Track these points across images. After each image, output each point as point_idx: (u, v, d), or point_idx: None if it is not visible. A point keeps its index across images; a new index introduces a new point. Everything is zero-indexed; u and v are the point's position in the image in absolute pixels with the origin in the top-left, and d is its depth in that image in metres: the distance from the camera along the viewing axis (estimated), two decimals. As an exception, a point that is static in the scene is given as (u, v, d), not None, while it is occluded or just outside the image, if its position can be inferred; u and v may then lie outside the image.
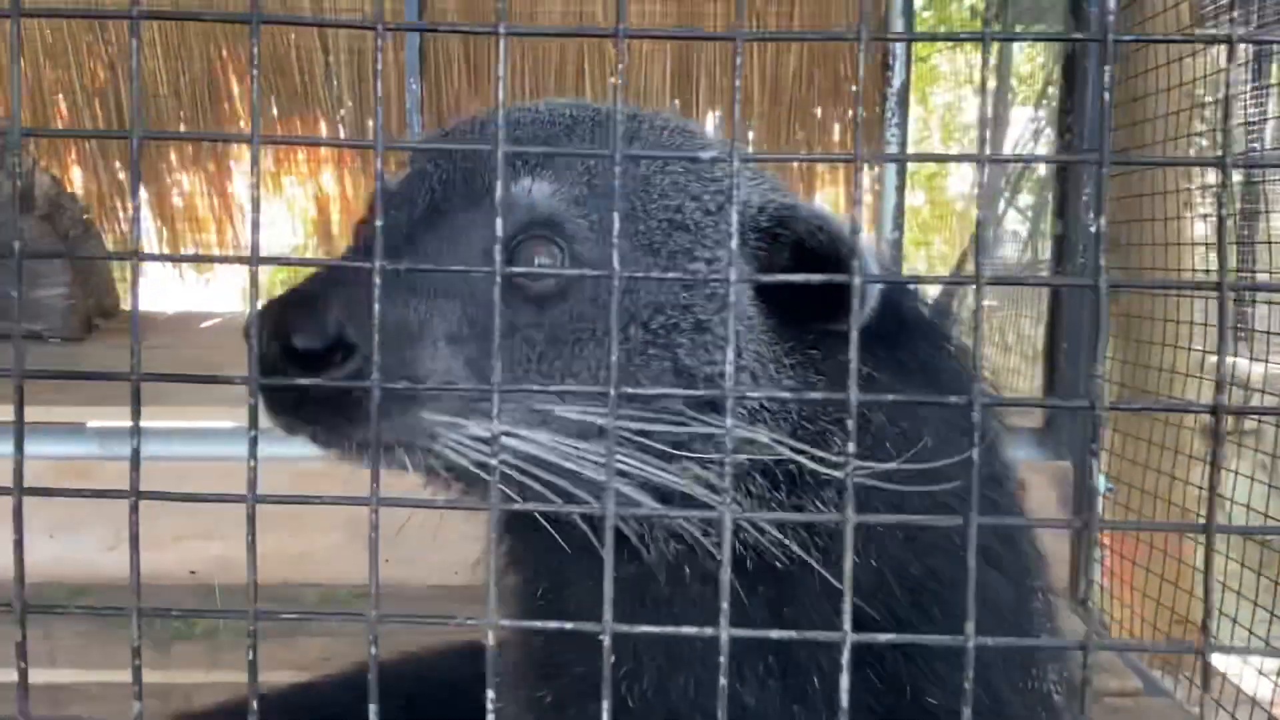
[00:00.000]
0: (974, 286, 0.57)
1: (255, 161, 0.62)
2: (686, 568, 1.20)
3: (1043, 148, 6.54)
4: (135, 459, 0.66)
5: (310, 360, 1.02)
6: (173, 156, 6.84)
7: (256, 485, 0.65)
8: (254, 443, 0.64)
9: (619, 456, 1.10)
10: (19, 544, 0.66)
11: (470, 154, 1.19)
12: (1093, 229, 2.72)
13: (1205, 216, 3.82)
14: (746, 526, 1.15)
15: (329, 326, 1.02)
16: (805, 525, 1.17)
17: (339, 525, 3.01)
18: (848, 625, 0.56)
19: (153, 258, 0.66)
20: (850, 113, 5.75)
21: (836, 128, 5.69)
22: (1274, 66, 4.02)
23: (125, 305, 6.02)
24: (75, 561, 2.99)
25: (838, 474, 1.16)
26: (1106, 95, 0.59)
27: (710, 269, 1.19)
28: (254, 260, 0.62)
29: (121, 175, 6.76)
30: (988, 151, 0.59)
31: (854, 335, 0.57)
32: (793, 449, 1.14)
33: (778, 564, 1.17)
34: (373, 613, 0.64)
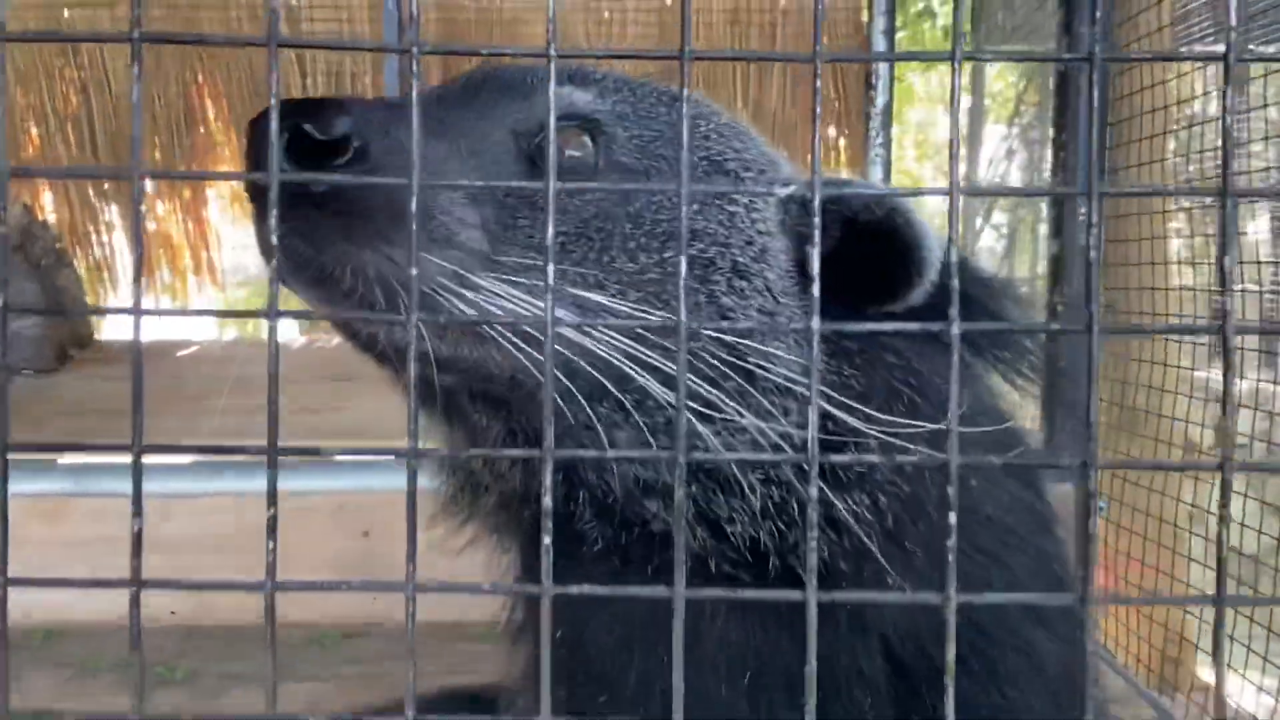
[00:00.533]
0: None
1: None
2: (711, 564, 1.14)
3: (1015, 166, 6.59)
4: (137, 544, 0.59)
5: (318, 156, 0.93)
6: (148, 183, 6.74)
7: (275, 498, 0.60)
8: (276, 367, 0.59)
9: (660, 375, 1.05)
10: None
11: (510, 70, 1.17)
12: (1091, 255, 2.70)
13: (1179, 231, 3.86)
14: (775, 519, 1.09)
15: (344, 119, 0.95)
16: (834, 529, 1.10)
17: (325, 562, 2.93)
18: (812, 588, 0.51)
19: (166, 313, 0.60)
20: (833, 131, 5.76)
21: (821, 151, 5.70)
22: (1252, 88, 4.06)
23: (100, 335, 5.91)
24: (49, 604, 2.89)
25: (873, 435, 1.09)
26: (1095, 132, 0.55)
27: (750, 216, 1.18)
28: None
29: (95, 201, 6.65)
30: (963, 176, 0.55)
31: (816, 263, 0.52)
32: (833, 402, 1.09)
33: (802, 574, 1.11)
34: (409, 585, 0.58)
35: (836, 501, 1.08)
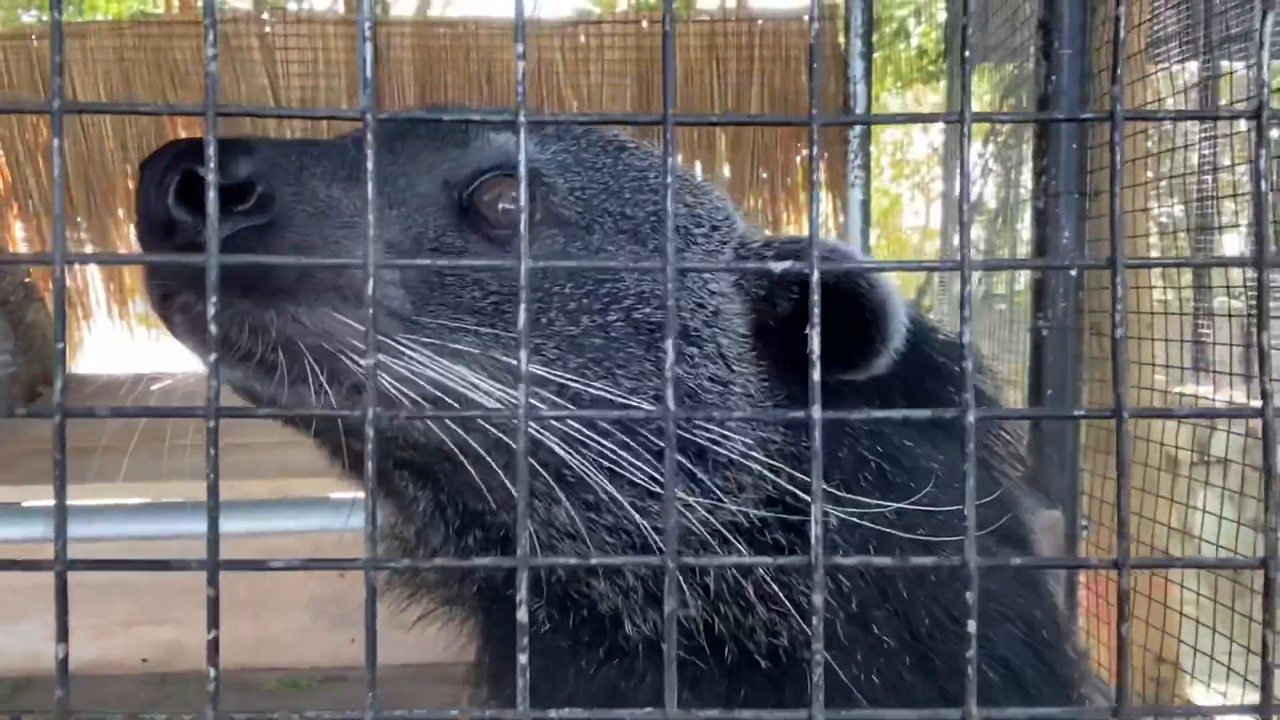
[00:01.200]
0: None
1: (59, 292, 0.52)
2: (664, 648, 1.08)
3: (990, 184, 6.60)
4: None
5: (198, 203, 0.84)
6: (120, 211, 6.64)
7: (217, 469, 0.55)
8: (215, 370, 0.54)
9: (628, 473, 1.00)
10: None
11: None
12: (1073, 270, 2.74)
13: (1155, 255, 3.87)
14: (730, 604, 1.04)
15: (245, 161, 0.88)
16: (797, 612, 1.05)
17: (302, 607, 2.85)
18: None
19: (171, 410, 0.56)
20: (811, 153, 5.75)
21: (799, 170, 5.70)
22: (1223, 101, 4.09)
23: (71, 370, 5.79)
24: (17, 653, 2.80)
25: (839, 513, 1.04)
26: (1117, 188, 0.52)
27: (701, 277, 1.13)
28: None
29: (67, 232, 6.55)
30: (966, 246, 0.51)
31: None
32: (787, 476, 1.04)
33: (762, 660, 1.06)
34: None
35: (796, 584, 1.03)
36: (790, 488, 1.04)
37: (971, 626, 0.43)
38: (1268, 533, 0.44)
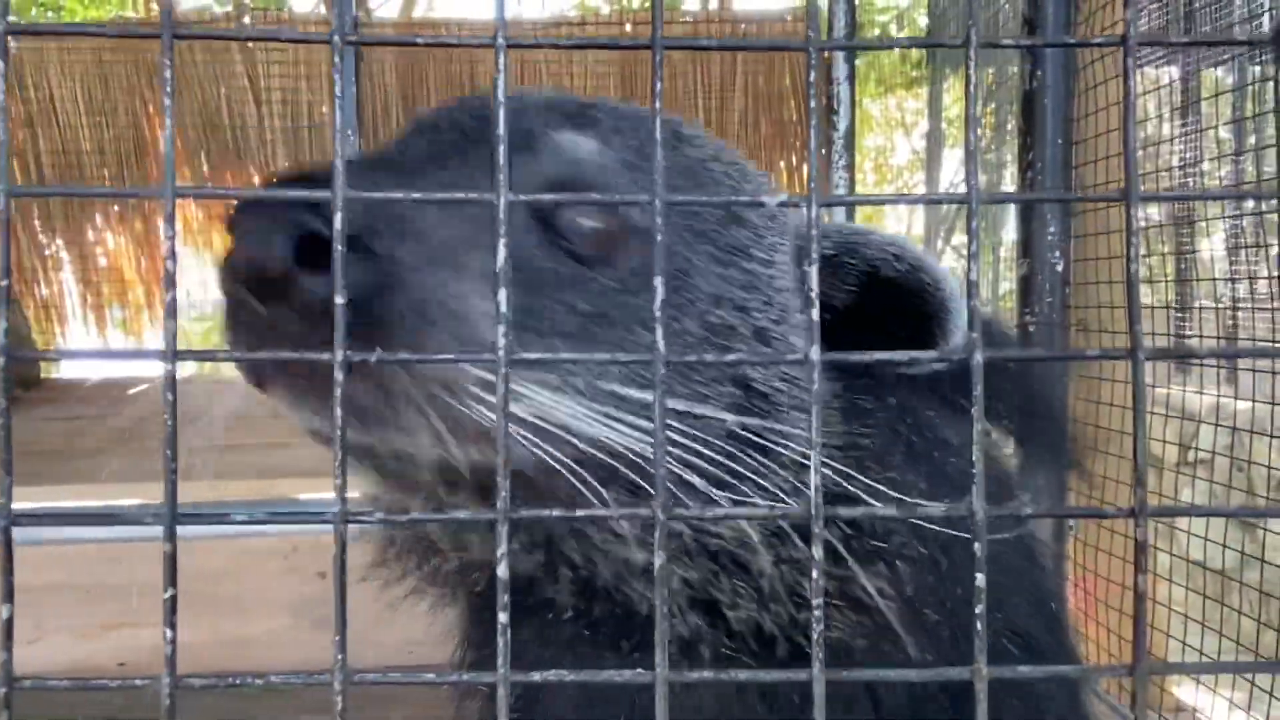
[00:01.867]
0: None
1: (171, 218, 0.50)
2: (703, 649, 1.04)
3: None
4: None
5: (313, 259, 0.75)
6: (98, 216, 6.57)
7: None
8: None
9: (685, 468, 0.95)
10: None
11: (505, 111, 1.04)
12: (1058, 266, 2.73)
13: (1146, 256, 3.89)
14: (783, 604, 1.00)
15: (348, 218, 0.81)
16: (853, 608, 1.01)
17: (284, 608, 2.80)
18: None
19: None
20: (796, 159, 5.76)
21: (784, 172, 5.70)
22: (1203, 106, 4.13)
23: (48, 374, 5.71)
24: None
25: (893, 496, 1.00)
26: (1131, 120, 0.49)
27: (768, 273, 1.08)
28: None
29: (42, 237, 6.47)
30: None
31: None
32: (842, 475, 0.99)
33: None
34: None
35: (858, 575, 0.99)
36: (850, 488, 1.00)
37: (980, 580, 0.41)
38: None
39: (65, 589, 2.93)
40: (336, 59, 0.48)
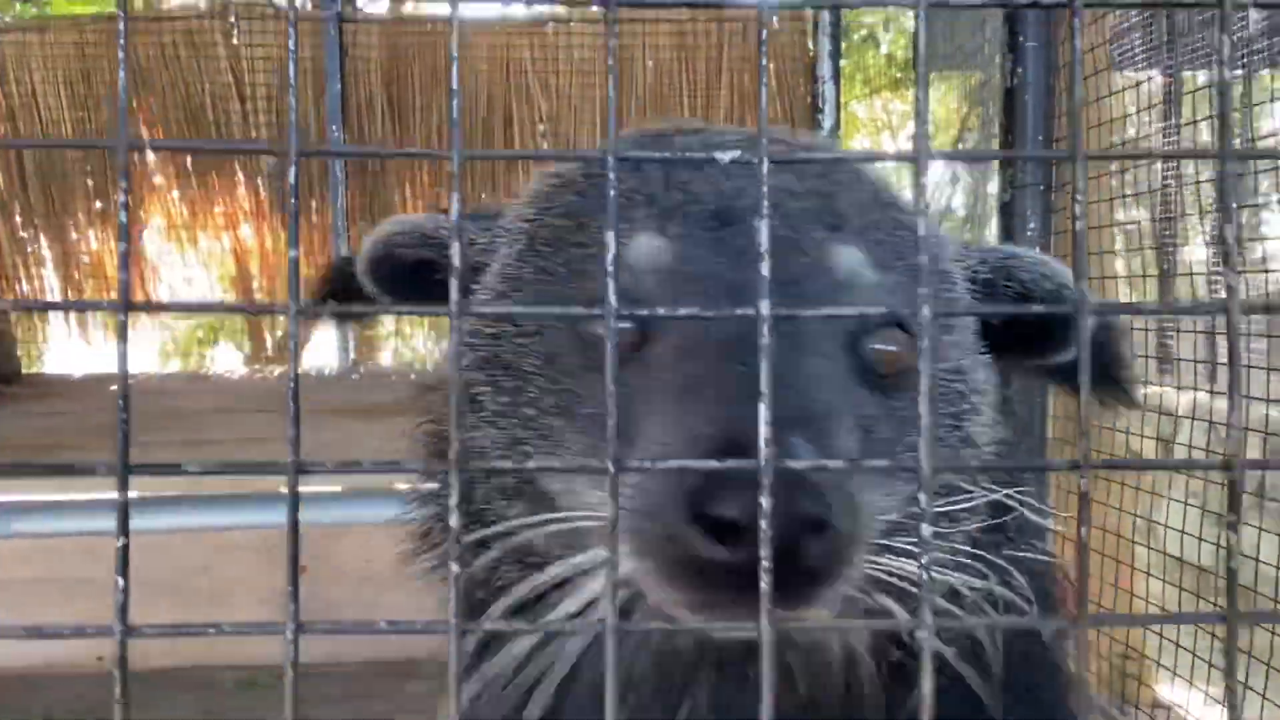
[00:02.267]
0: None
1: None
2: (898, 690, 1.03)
3: (959, 192, 6.68)
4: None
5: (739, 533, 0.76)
6: (80, 215, 6.52)
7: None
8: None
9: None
10: None
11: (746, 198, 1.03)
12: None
13: (1119, 250, 3.92)
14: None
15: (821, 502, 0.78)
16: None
17: (262, 600, 2.79)
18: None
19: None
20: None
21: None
22: (1185, 108, 4.17)
23: (30, 369, 5.67)
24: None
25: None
26: (1078, 78, 0.50)
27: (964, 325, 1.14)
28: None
29: (23, 234, 6.42)
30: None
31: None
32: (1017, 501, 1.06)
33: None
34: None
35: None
36: (1014, 504, 1.06)
37: (923, 503, 0.41)
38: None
39: (46, 582, 2.91)
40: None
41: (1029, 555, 1.08)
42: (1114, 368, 1.16)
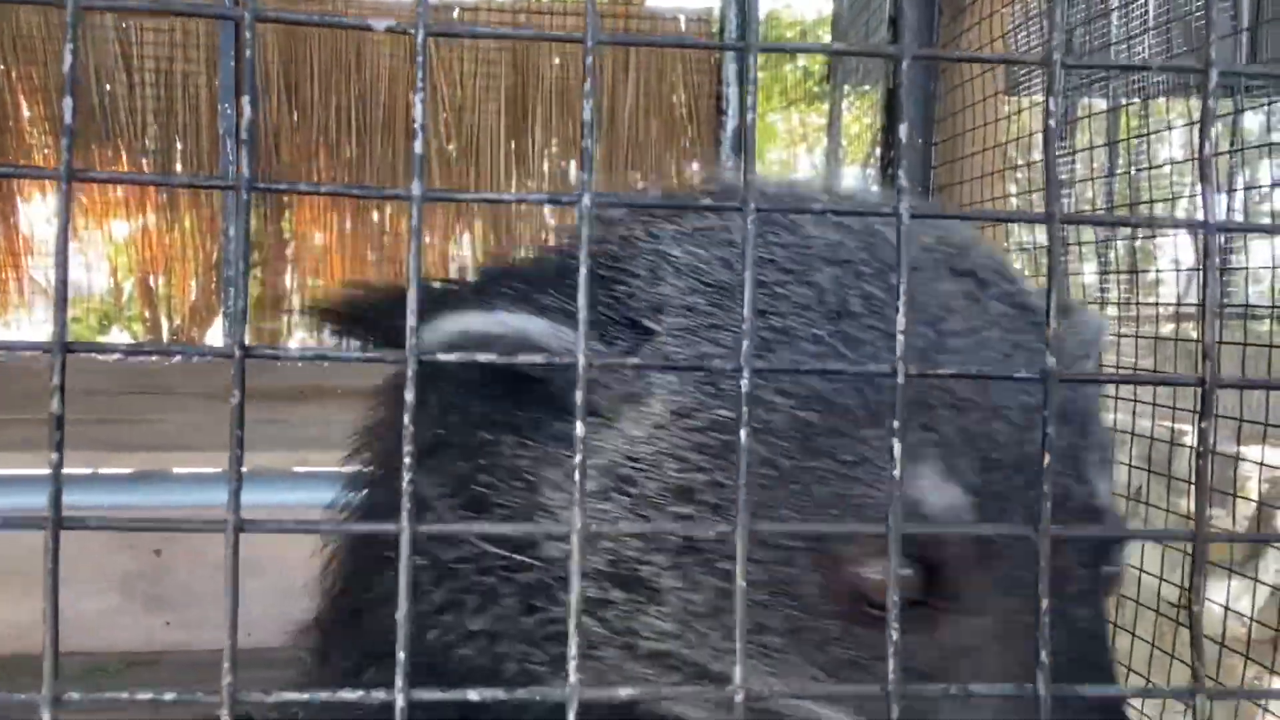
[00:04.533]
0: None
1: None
2: None
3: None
4: None
5: None
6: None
7: None
8: None
9: None
10: None
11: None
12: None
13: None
14: None
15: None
16: None
17: (113, 587, 2.64)
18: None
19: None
20: (681, 156, 5.78)
21: (672, 169, 5.72)
22: (1079, 133, 4.29)
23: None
24: None
25: None
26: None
27: None
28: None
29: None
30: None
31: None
32: None
33: None
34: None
35: None
36: None
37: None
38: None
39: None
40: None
41: None
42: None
